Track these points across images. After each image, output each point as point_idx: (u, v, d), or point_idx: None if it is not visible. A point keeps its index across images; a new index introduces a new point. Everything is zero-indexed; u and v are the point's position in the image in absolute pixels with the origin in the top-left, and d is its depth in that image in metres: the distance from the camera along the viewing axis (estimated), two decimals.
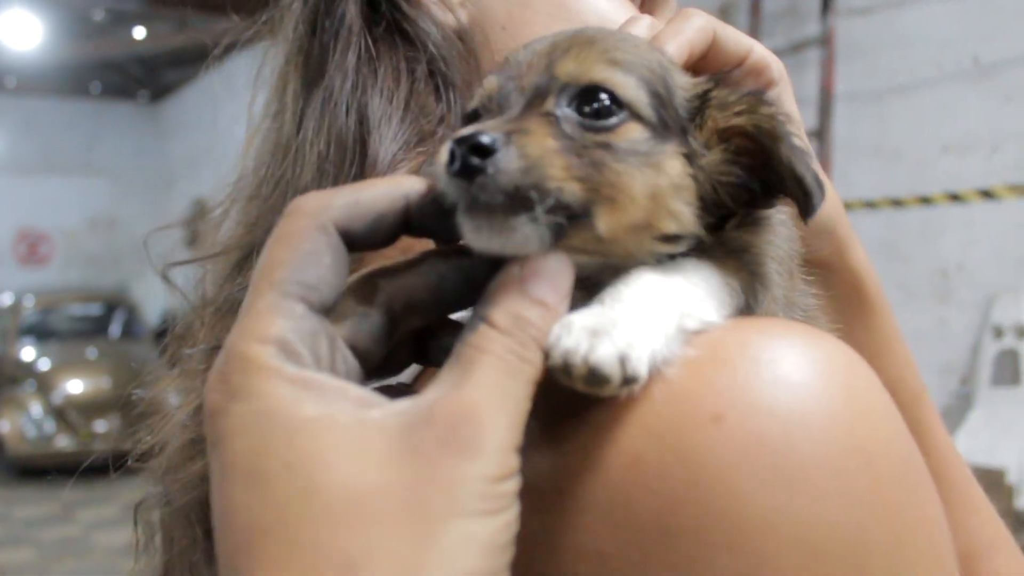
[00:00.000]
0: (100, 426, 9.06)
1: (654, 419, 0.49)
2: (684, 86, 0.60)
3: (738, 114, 0.58)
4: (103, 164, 14.64)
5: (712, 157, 0.58)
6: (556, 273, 0.50)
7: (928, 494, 0.51)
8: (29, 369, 10.14)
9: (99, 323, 11.65)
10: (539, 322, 0.48)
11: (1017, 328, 4.62)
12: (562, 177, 0.51)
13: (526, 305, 0.48)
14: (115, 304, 11.99)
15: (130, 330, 11.56)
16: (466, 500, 0.42)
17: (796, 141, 0.56)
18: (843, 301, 0.84)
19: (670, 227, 0.56)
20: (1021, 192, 4.65)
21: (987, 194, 4.78)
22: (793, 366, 0.49)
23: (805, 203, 0.56)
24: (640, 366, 0.48)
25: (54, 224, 14.39)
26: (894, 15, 5.13)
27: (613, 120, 0.55)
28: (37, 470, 8.87)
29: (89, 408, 9.20)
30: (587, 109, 0.55)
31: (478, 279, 0.52)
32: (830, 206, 0.80)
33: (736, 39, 0.76)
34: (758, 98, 0.58)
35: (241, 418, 0.43)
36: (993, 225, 4.77)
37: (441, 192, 0.51)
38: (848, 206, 5.27)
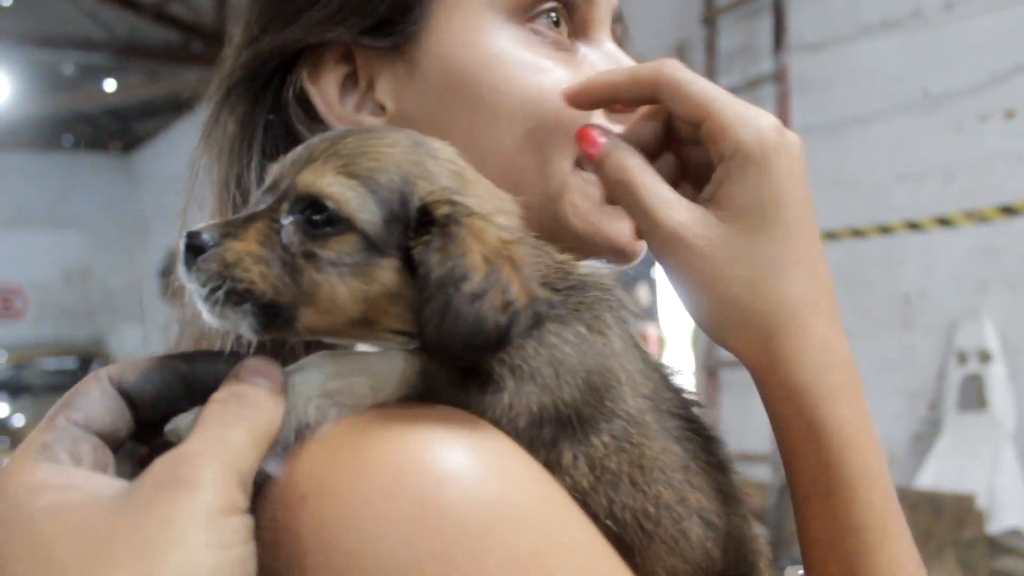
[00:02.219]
0: None
1: (276, 491, 0.56)
2: (424, 195, 0.59)
3: (423, 243, 0.58)
4: (76, 216, 14.56)
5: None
6: (265, 370, 0.57)
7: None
8: (2, 426, 9.94)
9: (74, 377, 11.29)
10: (253, 396, 0.55)
11: (980, 353, 4.66)
12: (255, 282, 0.57)
13: (241, 385, 0.56)
14: (90, 358, 11.82)
15: None
16: (188, 531, 0.46)
17: (439, 296, 0.56)
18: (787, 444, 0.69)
19: (393, 325, 0.60)
20: (976, 218, 4.73)
21: (944, 221, 4.85)
22: (378, 456, 0.54)
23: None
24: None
25: (27, 278, 14.26)
26: (845, 50, 5.24)
27: (329, 230, 0.58)
28: None
29: None
30: (314, 218, 0.58)
31: (194, 381, 0.60)
32: (767, 310, 0.67)
33: (695, 99, 0.68)
34: (445, 229, 0.57)
35: (1, 519, 0.49)
36: (951, 251, 4.83)
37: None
38: None
